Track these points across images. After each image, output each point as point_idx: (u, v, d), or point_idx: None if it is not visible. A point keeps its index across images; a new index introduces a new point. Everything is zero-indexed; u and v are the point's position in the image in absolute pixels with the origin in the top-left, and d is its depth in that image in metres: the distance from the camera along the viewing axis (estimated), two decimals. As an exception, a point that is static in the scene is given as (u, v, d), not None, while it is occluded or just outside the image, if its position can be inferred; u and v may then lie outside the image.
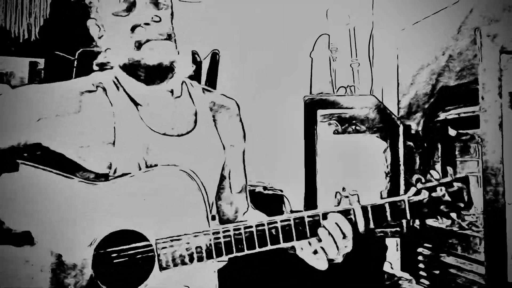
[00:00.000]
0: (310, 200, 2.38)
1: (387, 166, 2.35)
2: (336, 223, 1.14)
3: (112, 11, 1.23)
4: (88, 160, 1.16)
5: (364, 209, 1.15)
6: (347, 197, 1.16)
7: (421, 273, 2.33)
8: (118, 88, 1.24)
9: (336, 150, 2.37)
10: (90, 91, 1.22)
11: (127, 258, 1.08)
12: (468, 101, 2.05)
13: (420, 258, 2.34)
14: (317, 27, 3.07)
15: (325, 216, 1.15)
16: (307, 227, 1.14)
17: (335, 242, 1.13)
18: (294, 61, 3.09)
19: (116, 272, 1.08)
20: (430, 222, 2.18)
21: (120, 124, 1.20)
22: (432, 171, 1.18)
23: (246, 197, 1.40)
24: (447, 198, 1.17)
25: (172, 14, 1.27)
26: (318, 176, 2.37)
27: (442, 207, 1.16)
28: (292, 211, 2.86)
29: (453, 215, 1.16)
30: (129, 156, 1.17)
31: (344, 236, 1.14)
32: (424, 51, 2.42)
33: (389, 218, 1.16)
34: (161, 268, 1.08)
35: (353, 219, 1.15)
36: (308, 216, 1.14)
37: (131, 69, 1.23)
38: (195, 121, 1.30)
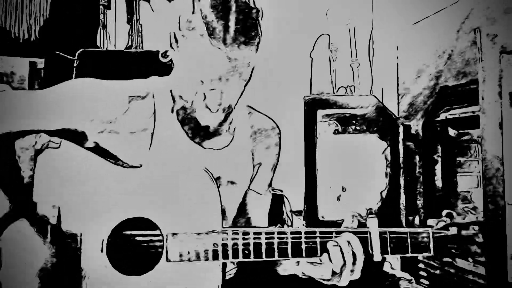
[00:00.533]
0: (310, 200, 2.38)
1: (387, 166, 2.34)
2: (348, 241, 1.08)
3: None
4: (125, 158, 1.19)
5: (382, 235, 1.07)
6: (364, 218, 1.10)
7: (421, 273, 2.33)
8: (170, 96, 1.24)
9: (336, 150, 2.37)
10: (140, 96, 1.23)
11: (138, 244, 1.10)
12: (468, 101, 2.04)
13: (420, 258, 2.34)
14: (317, 27, 3.07)
15: (338, 234, 1.09)
16: (318, 244, 1.09)
17: (343, 257, 1.07)
18: (294, 61, 3.09)
19: (126, 256, 1.10)
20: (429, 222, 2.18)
21: (159, 130, 1.21)
22: (464, 206, 1.08)
23: (266, 216, 1.40)
24: (480, 239, 1.06)
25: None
26: (318, 176, 2.37)
27: (473, 248, 1.06)
28: (292, 211, 2.86)
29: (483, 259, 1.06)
30: (162, 163, 1.18)
31: (354, 259, 1.07)
32: (424, 51, 2.42)
33: (409, 250, 1.06)
34: (168, 260, 1.09)
35: (369, 245, 1.07)
36: (321, 233, 1.09)
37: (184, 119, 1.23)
38: (232, 138, 1.31)
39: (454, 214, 1.08)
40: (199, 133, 1.24)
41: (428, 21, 2.41)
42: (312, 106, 2.41)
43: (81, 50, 1.93)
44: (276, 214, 2.74)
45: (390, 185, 2.31)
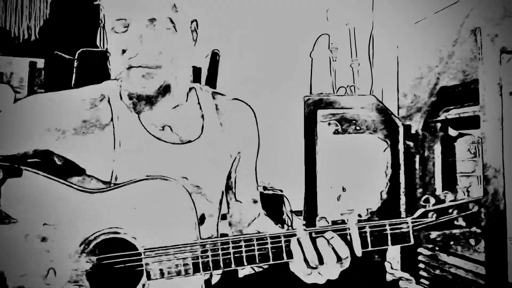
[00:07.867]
0: (310, 200, 2.38)
1: (387, 166, 2.35)
2: (327, 240, 1.05)
3: (111, 24, 1.15)
4: (91, 167, 1.17)
5: (361, 229, 1.05)
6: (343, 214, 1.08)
7: (421, 273, 2.33)
8: (121, 97, 1.23)
9: (336, 150, 2.37)
10: (95, 100, 1.22)
11: (116, 266, 1.08)
12: (468, 101, 2.05)
13: (420, 258, 2.34)
14: (317, 27, 3.08)
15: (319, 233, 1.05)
16: (284, 247, 1.05)
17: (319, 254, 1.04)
18: (294, 61, 3.10)
19: (106, 279, 1.08)
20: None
21: (120, 132, 1.19)
22: (445, 192, 1.05)
23: (255, 204, 1.35)
24: (460, 222, 1.03)
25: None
26: (318, 176, 2.37)
27: (455, 232, 1.03)
28: (291, 211, 2.86)
29: (472, 241, 1.02)
30: (130, 164, 1.16)
31: (339, 258, 1.04)
32: (424, 51, 2.42)
33: (389, 243, 1.05)
34: (149, 278, 1.07)
35: (349, 240, 1.05)
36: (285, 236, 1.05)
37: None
38: (202, 128, 1.25)
39: (432, 199, 1.04)
40: (146, 102, 1.19)
41: (428, 21, 2.41)
42: (312, 106, 2.41)
43: (81, 50, 1.93)
44: (276, 214, 2.75)
45: (390, 185, 2.31)
